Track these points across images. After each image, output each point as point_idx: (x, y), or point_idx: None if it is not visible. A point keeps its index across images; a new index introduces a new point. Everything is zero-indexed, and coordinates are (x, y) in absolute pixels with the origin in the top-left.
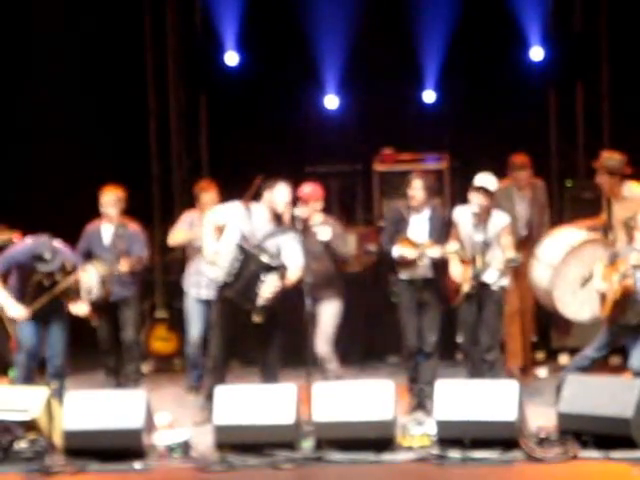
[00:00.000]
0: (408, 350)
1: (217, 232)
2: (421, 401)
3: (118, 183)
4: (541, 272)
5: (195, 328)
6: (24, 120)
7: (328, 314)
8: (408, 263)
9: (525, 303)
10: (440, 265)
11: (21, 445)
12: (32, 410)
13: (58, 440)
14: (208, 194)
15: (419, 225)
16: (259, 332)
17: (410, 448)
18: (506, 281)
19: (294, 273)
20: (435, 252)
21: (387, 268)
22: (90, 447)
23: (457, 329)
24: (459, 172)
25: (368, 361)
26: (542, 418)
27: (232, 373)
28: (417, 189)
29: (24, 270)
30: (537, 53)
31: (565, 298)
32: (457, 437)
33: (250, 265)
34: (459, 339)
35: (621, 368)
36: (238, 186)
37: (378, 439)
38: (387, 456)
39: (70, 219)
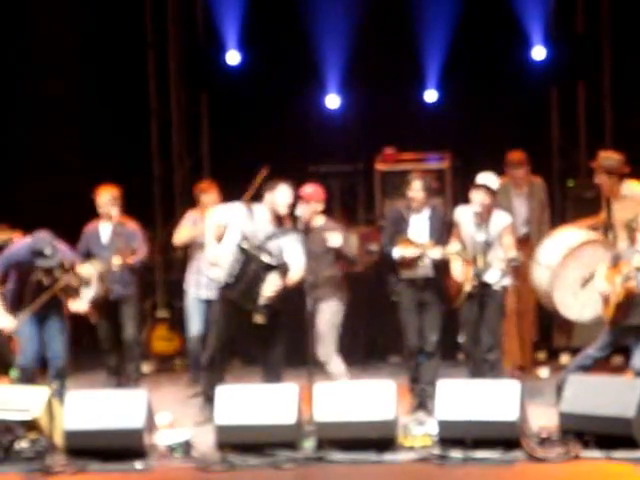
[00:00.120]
0: (409, 350)
1: (219, 232)
2: (422, 401)
3: (119, 183)
4: (541, 274)
5: (195, 326)
6: (25, 120)
7: (327, 317)
8: (409, 264)
9: (525, 304)
10: (441, 265)
11: (22, 445)
12: (33, 410)
13: (59, 440)
14: (209, 195)
15: (419, 225)
16: (263, 332)
17: (412, 448)
18: (508, 281)
19: (296, 273)
20: (436, 253)
21: (388, 268)
22: (91, 447)
23: (458, 329)
24: (461, 171)
25: (370, 361)
26: (544, 418)
27: (233, 373)
28: (417, 190)
29: (23, 270)
30: (539, 52)
31: (566, 300)
32: (459, 437)
33: (251, 265)
34: (460, 339)
35: (622, 368)
36: (239, 186)
37: (379, 439)
38: (388, 456)
39: (71, 219)
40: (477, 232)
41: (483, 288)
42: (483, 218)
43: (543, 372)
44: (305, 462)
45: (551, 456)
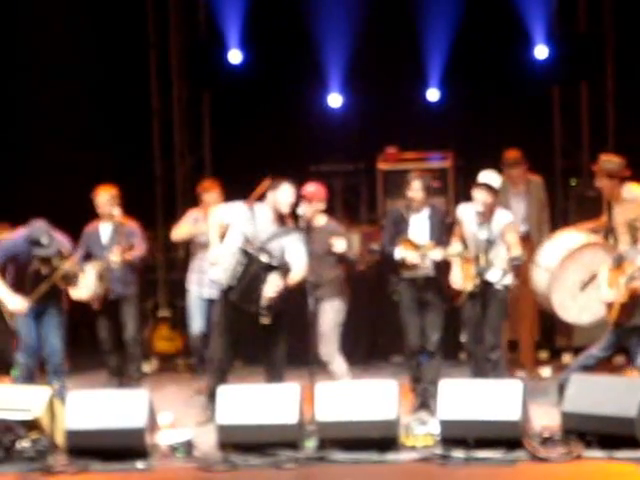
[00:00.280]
0: (410, 349)
1: (221, 232)
2: (425, 401)
3: (120, 182)
4: (540, 276)
5: (197, 324)
6: (26, 120)
7: (329, 316)
8: (410, 264)
9: (526, 304)
10: (442, 264)
11: (23, 444)
12: (34, 409)
13: (60, 440)
14: (211, 194)
15: (419, 225)
16: (265, 332)
17: (413, 448)
18: (510, 280)
19: (298, 273)
20: (437, 254)
21: (388, 268)
22: (92, 447)
23: (461, 328)
24: (463, 171)
25: (372, 361)
26: (546, 418)
27: (235, 373)
28: (416, 190)
29: (21, 262)
30: (541, 52)
31: (565, 303)
32: (461, 437)
33: (252, 267)
34: (463, 338)
35: (624, 368)
36: (241, 185)
37: (381, 439)
38: (390, 456)
39: (72, 219)
40: (479, 230)
41: (485, 287)
42: (485, 217)
43: (545, 372)
44: (307, 462)
45: (553, 456)
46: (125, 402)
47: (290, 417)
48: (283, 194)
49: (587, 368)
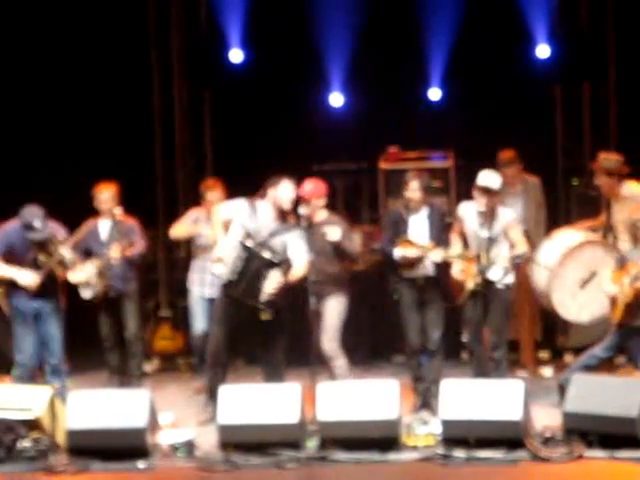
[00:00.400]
0: (411, 349)
1: (224, 228)
2: (426, 400)
3: (122, 181)
4: (539, 274)
5: (199, 324)
6: (27, 119)
7: (333, 311)
8: (410, 265)
9: (525, 303)
10: (443, 263)
11: (24, 444)
12: (35, 409)
13: (61, 439)
14: (214, 192)
15: (418, 224)
16: (264, 330)
17: (415, 447)
18: (511, 279)
19: (299, 270)
20: (438, 255)
21: (388, 267)
22: (93, 446)
23: (462, 328)
24: (465, 170)
25: (373, 360)
26: (547, 417)
27: (236, 372)
28: (414, 190)
29: (18, 251)
30: (543, 51)
31: (565, 301)
32: (462, 436)
33: (253, 262)
34: (464, 338)
35: (625, 367)
36: (243, 184)
37: (383, 438)
38: (392, 456)
39: (73, 218)
40: (481, 229)
41: (487, 286)
42: (487, 216)
43: (547, 371)
44: (308, 462)
45: (555, 456)
46: (126, 402)
47: (291, 417)
48: (283, 190)
49: (589, 368)
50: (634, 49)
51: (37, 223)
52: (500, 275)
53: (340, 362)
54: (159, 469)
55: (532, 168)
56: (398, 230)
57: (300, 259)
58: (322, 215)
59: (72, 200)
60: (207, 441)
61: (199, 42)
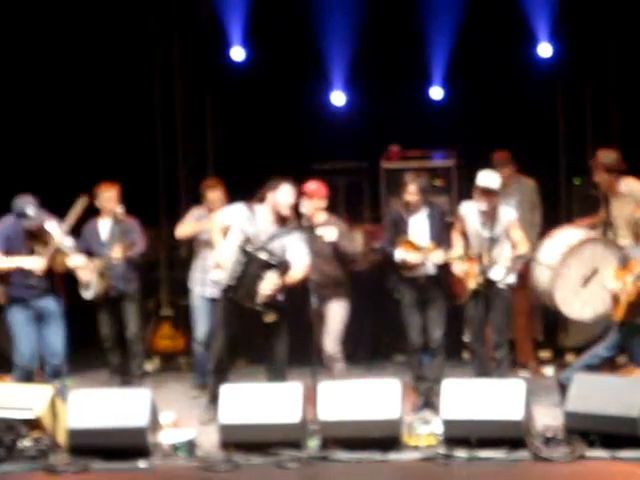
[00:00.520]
0: (412, 348)
1: (223, 234)
2: (427, 400)
3: (124, 180)
4: (541, 273)
5: (202, 326)
6: (28, 119)
7: (336, 313)
8: (411, 265)
9: (521, 301)
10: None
11: (25, 443)
12: (36, 408)
13: (62, 439)
14: (215, 192)
15: (418, 225)
16: (266, 331)
17: (416, 447)
18: (513, 278)
19: (298, 271)
20: (438, 257)
21: (389, 267)
22: (94, 446)
23: (463, 328)
24: (466, 169)
25: (375, 360)
26: (549, 417)
27: (238, 371)
28: (411, 193)
29: (15, 245)
30: (545, 49)
31: (568, 299)
32: (463, 436)
33: (252, 266)
34: (466, 338)
35: (627, 367)
36: (244, 183)
37: (384, 438)
38: (393, 455)
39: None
40: (482, 228)
41: (489, 286)
42: (489, 215)
43: (548, 371)
44: (309, 461)
45: (556, 456)
46: (127, 401)
47: (293, 416)
48: (283, 195)
49: (592, 367)
50: (636, 48)
51: (30, 210)
52: (502, 275)
53: (340, 366)
54: (160, 469)
55: (533, 167)
56: (398, 230)
57: (300, 261)
58: (321, 217)
59: (74, 199)
60: (208, 440)
61: (201, 40)
